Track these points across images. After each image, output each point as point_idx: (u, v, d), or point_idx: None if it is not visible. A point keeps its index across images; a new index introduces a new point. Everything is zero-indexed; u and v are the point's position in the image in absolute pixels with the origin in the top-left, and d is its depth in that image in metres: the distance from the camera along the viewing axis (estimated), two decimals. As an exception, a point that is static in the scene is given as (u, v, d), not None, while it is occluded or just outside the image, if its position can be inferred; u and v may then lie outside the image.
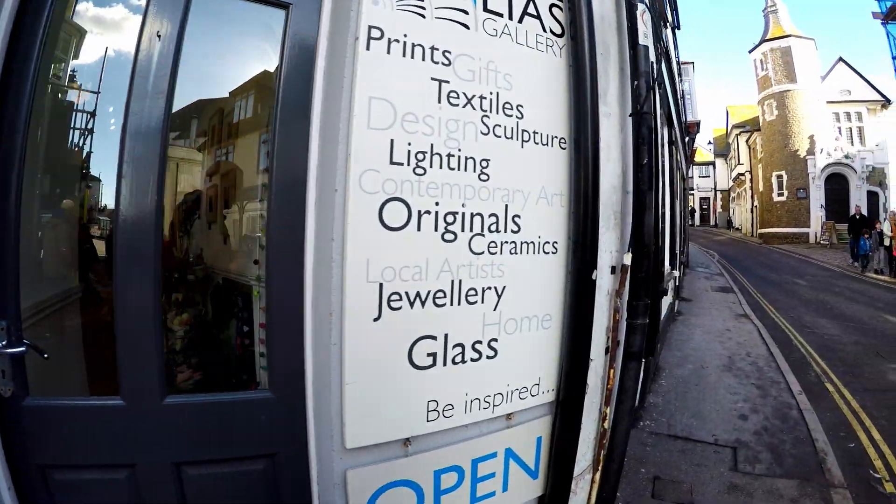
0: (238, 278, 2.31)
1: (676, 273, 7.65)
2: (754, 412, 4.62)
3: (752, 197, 32.40)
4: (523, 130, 2.17)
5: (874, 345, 6.95)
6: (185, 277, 2.30)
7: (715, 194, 45.29)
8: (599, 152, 2.30)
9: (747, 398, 4.96)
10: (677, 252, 8.70)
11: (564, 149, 2.30)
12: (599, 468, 2.70)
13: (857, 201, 24.53)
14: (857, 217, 17.00)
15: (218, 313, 2.39)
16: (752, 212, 32.80)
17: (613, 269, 2.73)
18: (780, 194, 27.23)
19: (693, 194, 45.58)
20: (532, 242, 2.19)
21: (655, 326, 4.87)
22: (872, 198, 25.46)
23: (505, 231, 2.11)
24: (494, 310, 2.10)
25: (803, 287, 12.92)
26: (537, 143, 2.21)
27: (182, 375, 2.12)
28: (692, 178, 44.60)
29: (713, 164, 45.21)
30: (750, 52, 28.53)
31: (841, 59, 27.72)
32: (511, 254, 2.13)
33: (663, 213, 6.40)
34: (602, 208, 2.54)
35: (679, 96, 13.26)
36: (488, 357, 2.10)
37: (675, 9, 14.16)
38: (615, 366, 2.71)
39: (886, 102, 26.11)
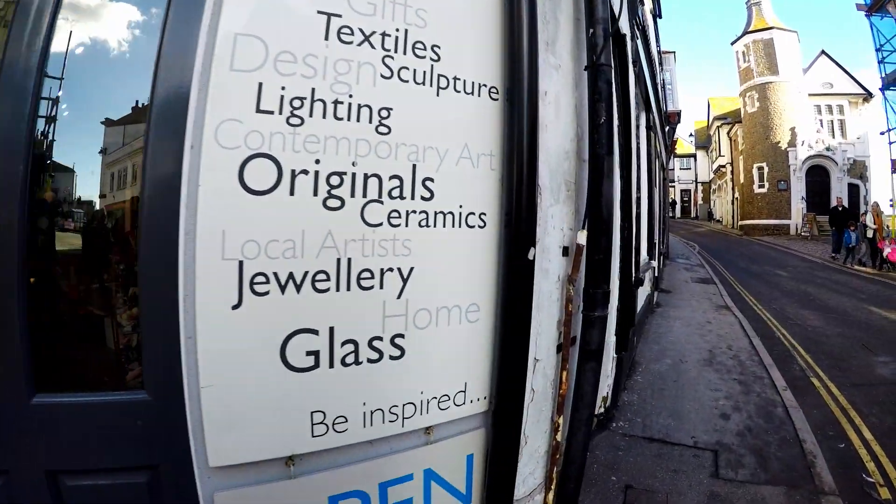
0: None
1: (655, 263, 7.30)
2: (737, 410, 4.25)
3: (733, 189, 32.06)
4: (440, 75, 1.74)
5: (860, 337, 6.56)
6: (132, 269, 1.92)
7: (696, 186, 45.40)
8: (538, 104, 1.88)
9: (729, 395, 4.58)
10: (656, 241, 8.36)
11: (496, 100, 1.87)
12: (553, 487, 2.30)
13: (839, 193, 24.27)
14: (840, 209, 16.31)
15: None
16: (732, 203, 32.49)
17: (566, 251, 2.33)
18: (761, 186, 26.93)
19: (674, 186, 45.56)
20: (450, 213, 1.75)
21: (631, 319, 4.50)
22: (853, 190, 25.45)
23: (412, 197, 1.66)
24: (398, 297, 1.66)
25: (785, 279, 12.44)
26: (459, 92, 1.78)
27: (132, 373, 1.78)
28: (673, 169, 44.51)
29: (694, 156, 45.33)
30: (732, 43, 28.39)
31: (823, 52, 27.74)
32: (421, 226, 1.69)
33: (639, 198, 6.04)
34: (550, 176, 2.14)
35: (660, 85, 12.95)
36: (392, 357, 1.66)
37: (656, -4, 13.85)
38: (569, 367, 2.30)
39: (868, 96, 26.16)
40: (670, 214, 42.92)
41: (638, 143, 5.65)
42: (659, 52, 14.68)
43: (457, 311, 1.79)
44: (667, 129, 14.10)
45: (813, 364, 5.53)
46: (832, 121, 26.59)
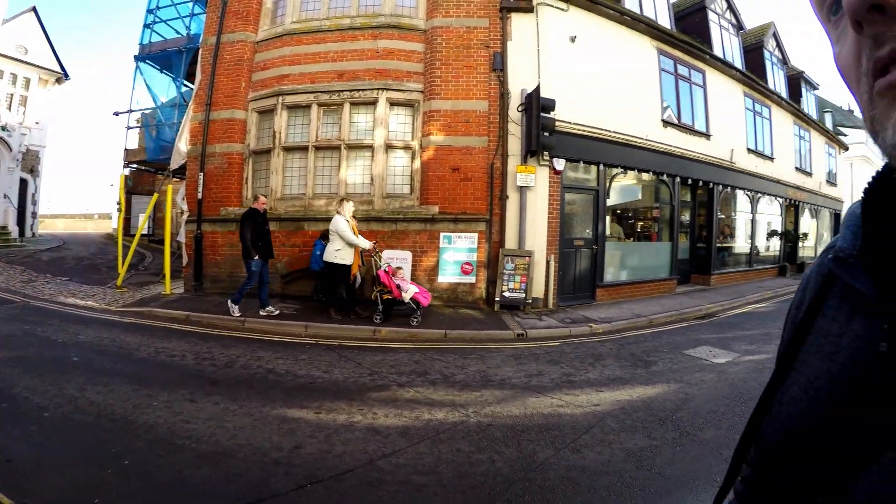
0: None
1: None
2: None
3: None
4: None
5: None
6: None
7: None
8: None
9: None
10: None
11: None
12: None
13: (6, 189, 17.89)
14: (263, 211, 7.71)
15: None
16: None
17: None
18: None
19: None
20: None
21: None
22: (23, 186, 19.25)
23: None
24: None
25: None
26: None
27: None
28: None
29: None
30: None
31: (34, 9, 19.78)
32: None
33: None
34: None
35: None
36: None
37: None
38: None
39: (63, 77, 20.81)
40: None
41: None
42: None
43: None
44: None
45: None
46: (13, 94, 18.84)
